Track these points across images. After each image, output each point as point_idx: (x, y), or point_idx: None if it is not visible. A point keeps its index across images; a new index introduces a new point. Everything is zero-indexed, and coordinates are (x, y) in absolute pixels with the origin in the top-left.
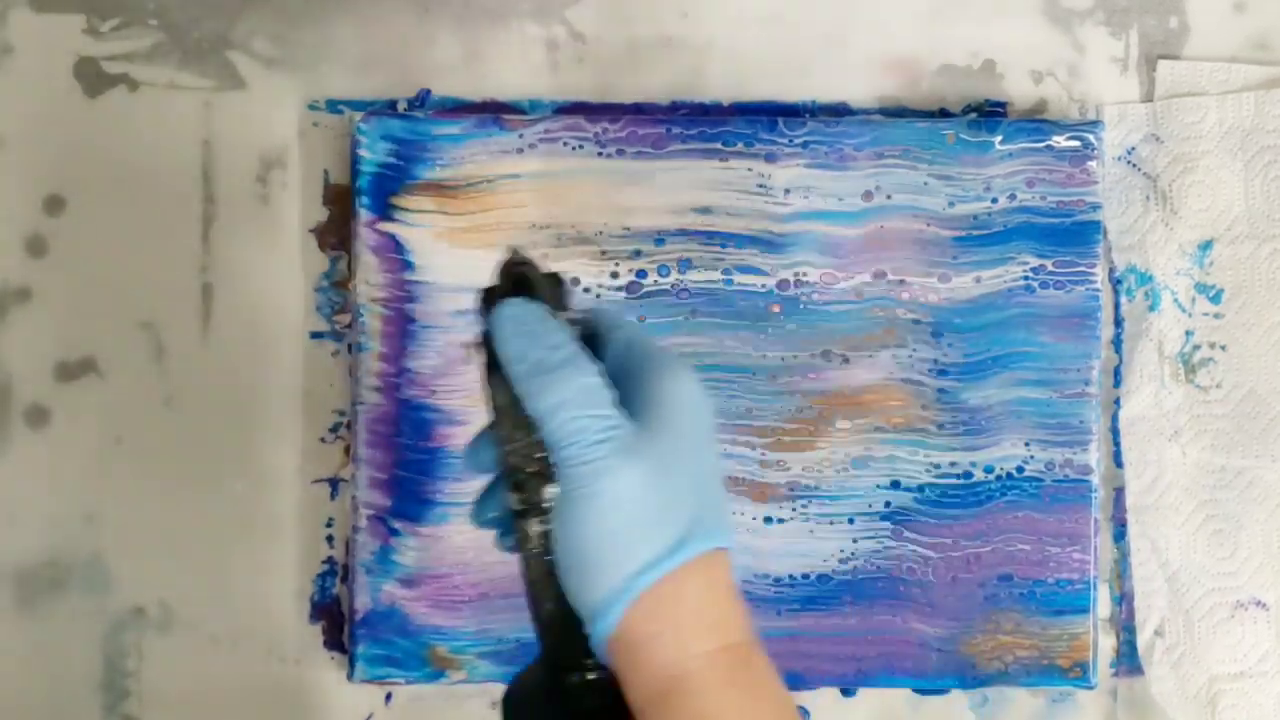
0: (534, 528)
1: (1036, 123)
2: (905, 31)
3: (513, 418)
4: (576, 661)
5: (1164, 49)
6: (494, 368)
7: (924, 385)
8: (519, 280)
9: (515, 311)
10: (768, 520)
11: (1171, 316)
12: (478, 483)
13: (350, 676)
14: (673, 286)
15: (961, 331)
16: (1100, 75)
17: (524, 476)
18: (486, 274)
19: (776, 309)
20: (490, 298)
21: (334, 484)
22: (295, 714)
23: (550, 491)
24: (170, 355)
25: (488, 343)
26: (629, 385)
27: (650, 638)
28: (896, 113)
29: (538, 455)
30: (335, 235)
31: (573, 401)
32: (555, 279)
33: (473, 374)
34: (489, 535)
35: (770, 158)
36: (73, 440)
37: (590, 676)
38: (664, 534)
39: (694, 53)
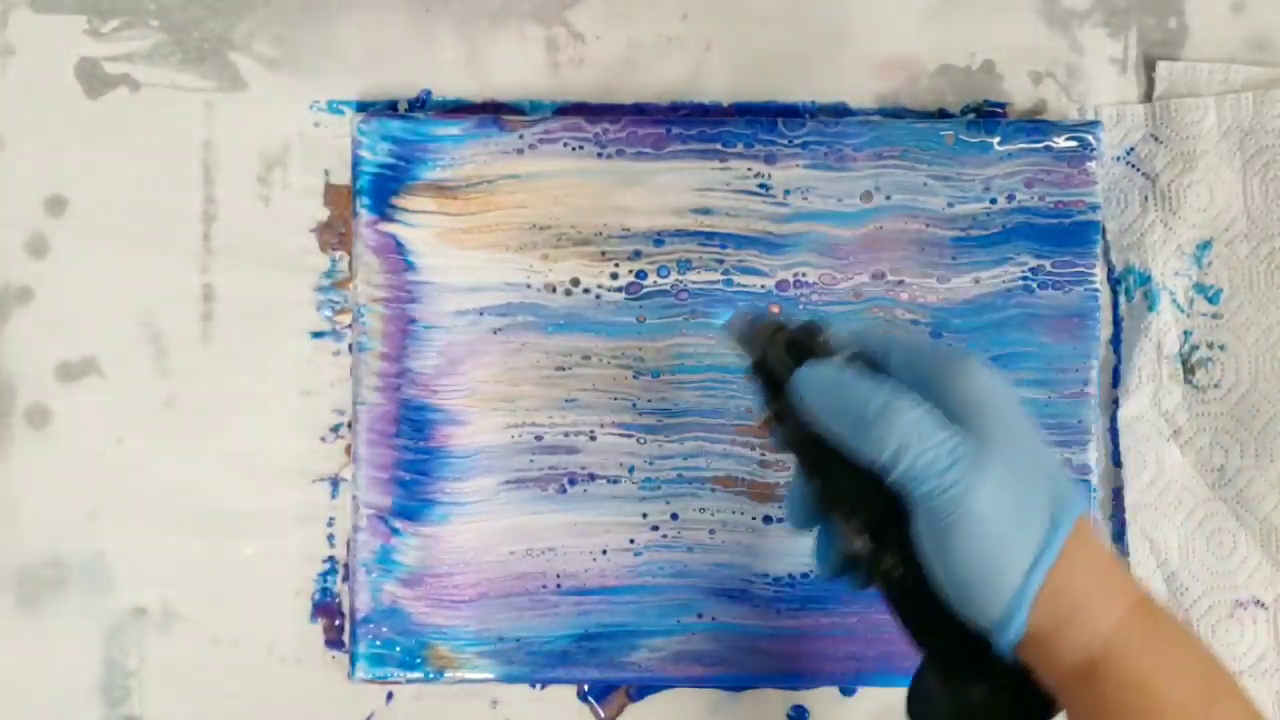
0: (889, 564)
1: (1035, 123)
2: (905, 32)
3: (836, 473)
4: (974, 673)
5: (1163, 50)
6: (798, 433)
7: None
8: (790, 348)
9: (812, 376)
10: (767, 520)
11: (1170, 316)
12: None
13: (351, 676)
14: (672, 287)
15: (960, 332)
16: (1099, 76)
17: (864, 521)
18: (489, 274)
19: (776, 310)
20: (765, 371)
21: (334, 484)
22: (295, 714)
23: (904, 530)
24: (170, 355)
25: (786, 414)
26: (932, 394)
27: (1059, 627)
28: (896, 113)
29: (872, 499)
30: (335, 235)
31: (911, 441)
32: (814, 328)
33: (474, 374)
34: (491, 535)
35: (770, 158)
36: (73, 440)
37: (995, 684)
38: (1036, 527)
39: (694, 53)
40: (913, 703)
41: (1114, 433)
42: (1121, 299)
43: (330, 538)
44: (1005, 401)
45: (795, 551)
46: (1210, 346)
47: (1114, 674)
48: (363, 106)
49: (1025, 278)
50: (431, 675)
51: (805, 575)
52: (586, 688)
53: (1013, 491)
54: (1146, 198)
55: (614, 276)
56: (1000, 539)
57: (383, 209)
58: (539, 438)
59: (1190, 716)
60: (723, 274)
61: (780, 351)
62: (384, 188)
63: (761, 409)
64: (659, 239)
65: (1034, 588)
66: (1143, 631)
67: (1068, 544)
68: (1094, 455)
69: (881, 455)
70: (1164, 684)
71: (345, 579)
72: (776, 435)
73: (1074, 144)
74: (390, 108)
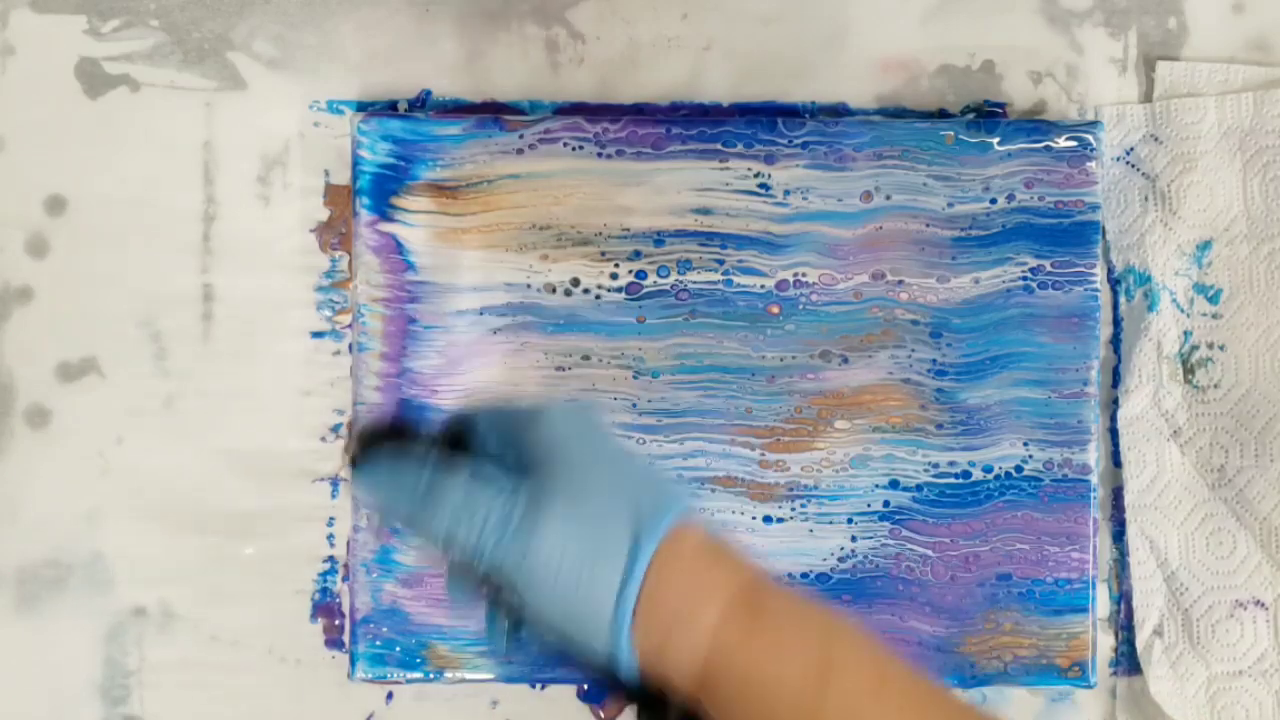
0: (534, 629)
1: (1035, 123)
2: (905, 32)
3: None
4: (657, 707)
5: (1163, 50)
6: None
7: (923, 385)
8: (364, 442)
9: (363, 479)
10: (767, 520)
11: (1170, 316)
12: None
13: (351, 676)
14: (672, 287)
15: (960, 332)
16: (1099, 76)
17: (495, 593)
18: (489, 274)
19: (776, 310)
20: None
21: (335, 483)
22: (295, 714)
23: (510, 594)
24: (170, 355)
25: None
26: (516, 455)
27: (663, 642)
28: (896, 113)
29: (481, 572)
30: (335, 235)
31: (452, 515)
32: (397, 421)
33: (474, 374)
34: None
35: (770, 158)
36: (73, 440)
37: (679, 711)
38: (614, 556)
39: (694, 53)
40: None
41: (1114, 433)
42: (1121, 299)
43: (330, 538)
44: (576, 440)
45: (795, 551)
46: (1210, 346)
47: (724, 673)
48: (362, 106)
49: (1025, 278)
50: (431, 675)
51: (805, 575)
52: (586, 687)
53: (580, 532)
54: (1146, 198)
55: (614, 276)
56: (578, 581)
57: (383, 209)
58: None
59: (805, 698)
60: (723, 274)
61: (357, 449)
62: (384, 188)
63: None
64: (659, 239)
65: (626, 615)
66: (744, 623)
67: (658, 558)
68: (1094, 455)
69: (436, 530)
70: (772, 671)
71: (345, 579)
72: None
73: (1074, 144)
74: (390, 108)
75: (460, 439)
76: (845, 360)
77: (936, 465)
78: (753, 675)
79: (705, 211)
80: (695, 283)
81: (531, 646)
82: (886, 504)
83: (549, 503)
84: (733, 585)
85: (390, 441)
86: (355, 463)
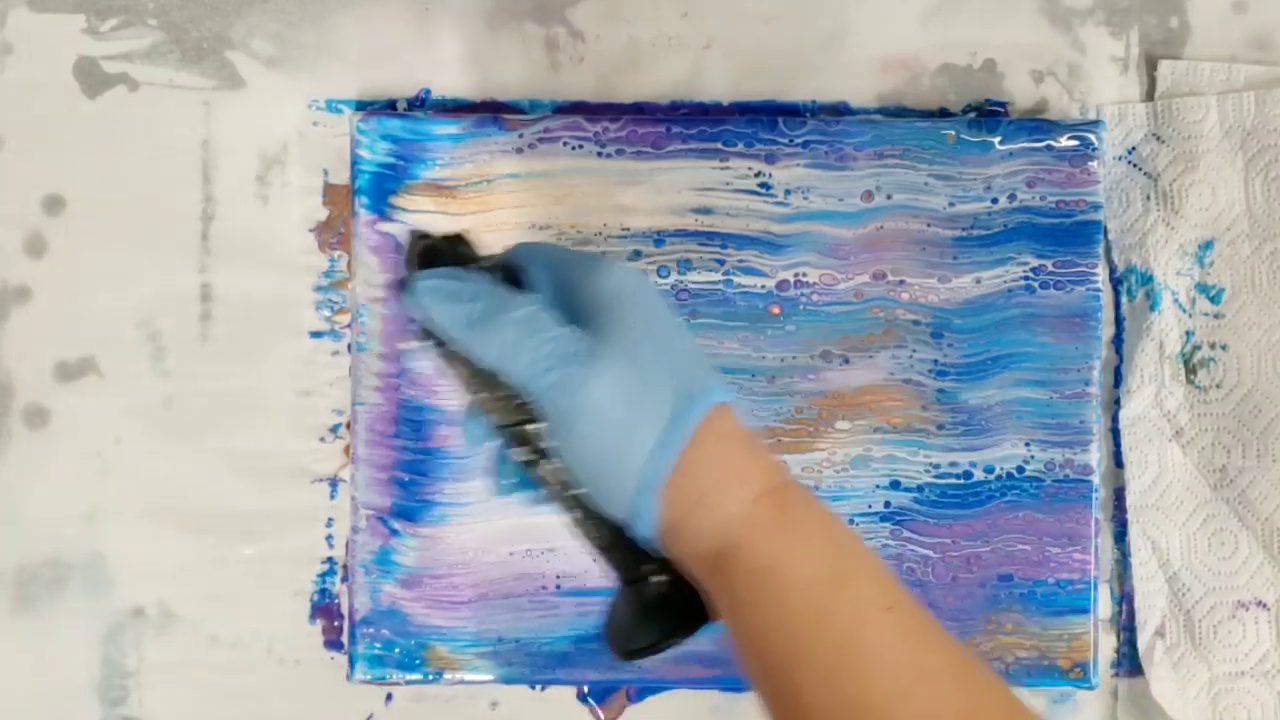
0: (547, 470)
1: (1037, 122)
2: (905, 31)
3: (478, 381)
4: (642, 572)
5: (1164, 49)
6: (442, 343)
7: (924, 386)
8: (425, 256)
9: (426, 284)
10: None
11: (1172, 316)
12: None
13: (350, 676)
14: (672, 287)
15: (961, 332)
16: (1101, 75)
17: (515, 428)
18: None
19: (776, 310)
20: (404, 284)
21: (334, 484)
22: (295, 714)
23: (541, 429)
24: (169, 355)
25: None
26: (570, 300)
27: (686, 514)
28: (897, 112)
29: (517, 403)
30: (334, 235)
31: (514, 339)
32: (456, 238)
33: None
34: (491, 535)
35: (770, 158)
36: (72, 440)
37: (660, 579)
38: (656, 417)
39: (694, 52)
40: (608, 623)
41: (1116, 433)
42: (1123, 299)
43: (329, 538)
44: (637, 299)
45: None
46: (1212, 346)
47: (742, 560)
48: (362, 105)
49: (1027, 277)
50: (430, 676)
51: None
52: (586, 689)
53: (630, 385)
54: (1148, 197)
55: None
56: (620, 430)
57: (382, 208)
58: None
59: (817, 596)
60: (723, 274)
61: (414, 261)
62: (383, 187)
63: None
64: (659, 239)
65: (657, 476)
66: (771, 518)
67: (698, 435)
68: (1096, 455)
69: (488, 356)
70: (790, 567)
71: (344, 580)
72: (431, 351)
73: (1075, 143)
74: (389, 107)
75: (515, 273)
76: (846, 361)
77: (938, 466)
78: (771, 567)
79: (705, 211)
80: (695, 283)
81: (539, 489)
82: (888, 505)
83: (607, 350)
84: (765, 478)
85: (449, 258)
86: (414, 271)
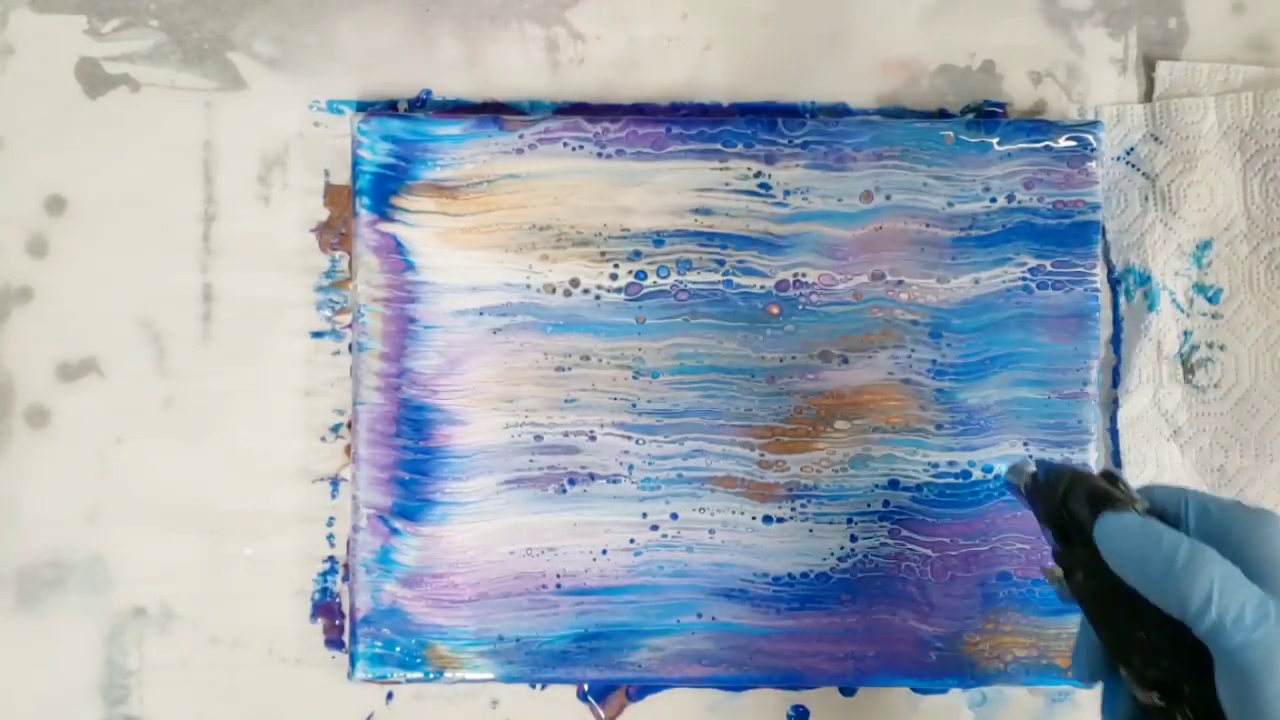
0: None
1: (1035, 123)
2: (905, 32)
3: (1130, 626)
4: None
5: (1163, 50)
6: (1090, 584)
7: (922, 385)
8: (1090, 495)
9: (1116, 524)
10: (767, 520)
11: (1170, 316)
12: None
13: (350, 676)
14: (672, 288)
15: (960, 332)
16: (1099, 76)
17: (1158, 676)
18: (489, 274)
19: (775, 310)
20: (1057, 523)
21: (334, 484)
22: (295, 714)
23: (1199, 686)
24: (170, 355)
25: (1078, 565)
26: (1229, 550)
27: None
28: (896, 113)
29: (1166, 653)
30: (335, 235)
31: (1220, 592)
32: (1113, 477)
33: (474, 374)
34: (491, 535)
35: (770, 158)
36: (73, 440)
37: None
38: None
39: (694, 53)
40: None
41: (1114, 433)
42: (1121, 299)
43: (330, 538)
44: None
45: (795, 551)
46: (1210, 346)
47: None
48: (363, 106)
49: (1025, 278)
50: (431, 675)
51: (805, 575)
52: (586, 688)
53: None
54: (1146, 198)
55: (614, 277)
56: None
57: (383, 209)
58: (539, 438)
59: None
60: (723, 274)
61: (1080, 503)
62: (384, 187)
63: (1052, 560)
64: (659, 239)
65: None
66: None
67: None
68: (1094, 455)
69: (1190, 606)
70: None
71: (345, 579)
72: (1068, 587)
73: (1074, 144)
74: (390, 108)
75: (1160, 512)
76: (845, 360)
77: (936, 465)
78: None
79: (705, 211)
80: (695, 283)
81: None
82: (886, 504)
83: None
84: None
85: (1118, 500)
86: (1086, 515)
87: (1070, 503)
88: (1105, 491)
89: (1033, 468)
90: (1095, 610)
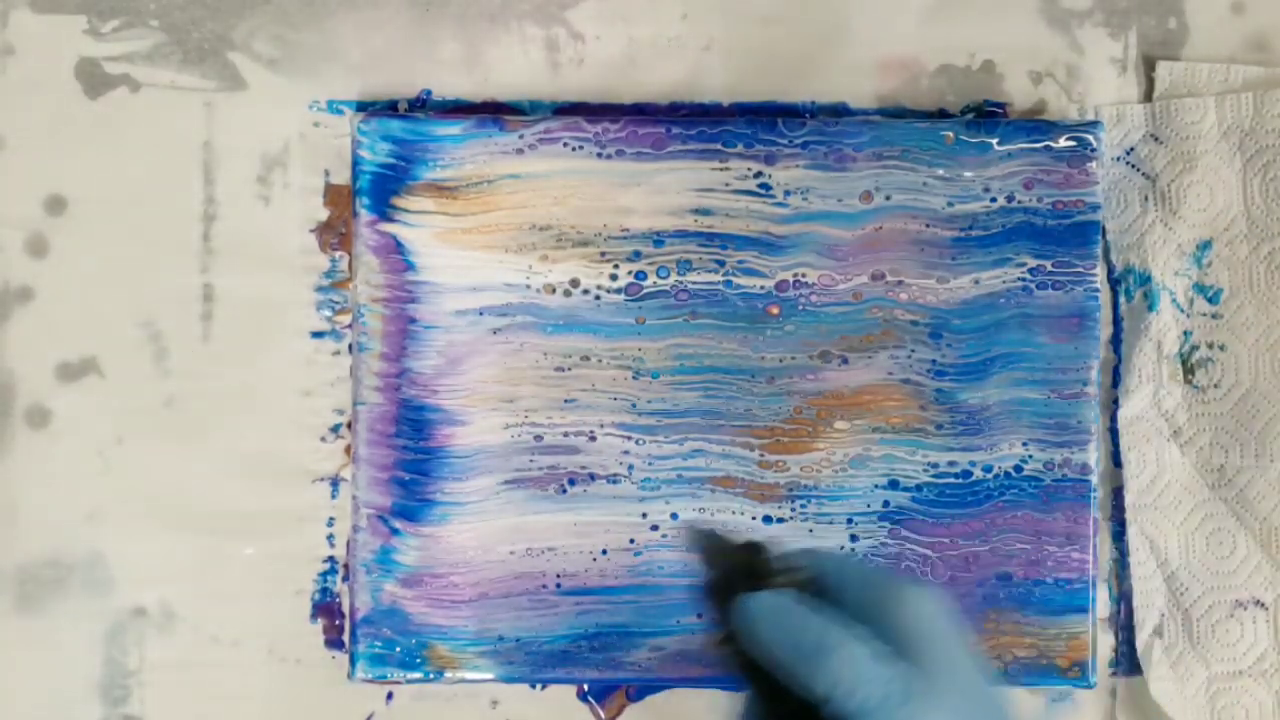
0: None
1: (1035, 123)
2: (905, 32)
3: (782, 699)
4: None
5: (1163, 50)
6: (746, 655)
7: (922, 386)
8: (744, 566)
9: (756, 603)
10: (766, 520)
11: (1170, 316)
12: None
13: (351, 676)
14: (672, 288)
15: (960, 332)
16: (1099, 76)
17: None
18: (489, 275)
19: (775, 310)
20: (717, 591)
21: (334, 484)
22: (295, 714)
23: None
24: (170, 355)
25: (731, 637)
26: (877, 621)
27: None
28: (896, 113)
29: None
30: (335, 235)
31: (847, 676)
32: (754, 547)
33: (474, 374)
34: (491, 535)
35: (770, 159)
36: (73, 440)
37: None
38: None
39: (694, 53)
40: None
41: (1114, 433)
42: (1121, 299)
43: (330, 538)
44: (949, 635)
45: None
46: (1210, 346)
47: None
48: (363, 106)
49: (1025, 278)
50: (431, 675)
51: None
52: (586, 688)
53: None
54: (1146, 198)
55: (613, 277)
56: None
57: (383, 209)
58: (539, 438)
59: None
60: (723, 275)
61: (731, 574)
62: (384, 188)
63: (714, 627)
64: (659, 239)
65: None
66: None
67: None
68: (1094, 455)
69: (816, 690)
70: None
71: (345, 579)
72: (726, 655)
73: (1074, 144)
74: (390, 108)
75: (814, 584)
76: (845, 361)
77: (936, 465)
78: None
79: (705, 212)
80: (695, 283)
81: None
82: (886, 504)
83: (929, 692)
84: None
85: (759, 575)
86: (721, 594)
87: (723, 575)
88: (747, 566)
89: (706, 533)
90: (751, 681)
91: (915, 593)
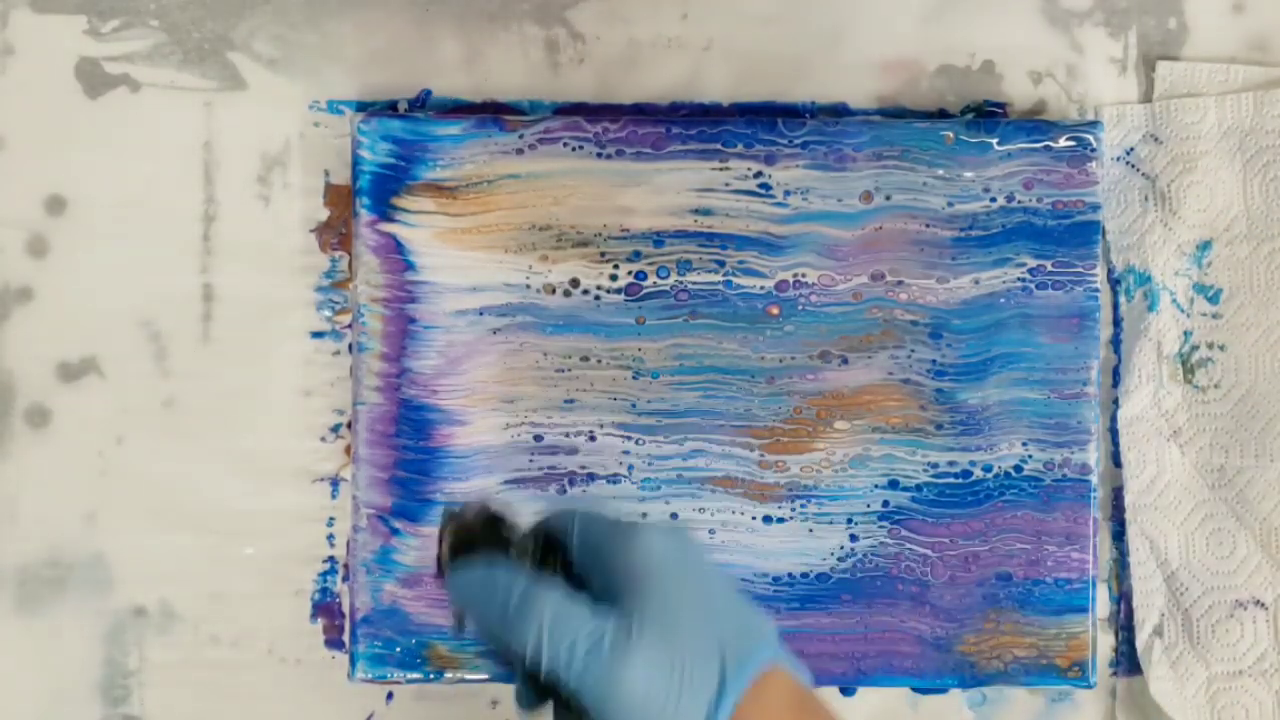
0: None
1: (1035, 123)
2: (905, 32)
3: (519, 666)
4: None
5: (1163, 50)
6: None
7: (922, 386)
8: (460, 542)
9: (459, 579)
10: (766, 520)
11: (1170, 317)
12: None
13: (351, 676)
14: (672, 288)
15: (960, 332)
16: (1099, 76)
17: (565, 710)
18: (489, 275)
19: (775, 310)
20: (440, 570)
21: (334, 484)
22: (295, 714)
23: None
24: (170, 355)
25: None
26: (605, 573)
27: None
28: (896, 114)
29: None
30: (335, 235)
31: (547, 632)
32: (492, 520)
33: (473, 374)
34: None
35: (770, 159)
36: (73, 440)
37: None
38: (702, 689)
39: (694, 53)
40: None
41: (1114, 433)
42: (1121, 299)
43: (330, 538)
44: (671, 566)
45: (795, 551)
46: (1210, 347)
47: None
48: (363, 106)
49: (1025, 278)
50: (431, 675)
51: (805, 575)
52: None
53: (670, 662)
54: (1146, 198)
55: (613, 277)
56: (665, 711)
57: (383, 209)
58: (539, 438)
59: None
60: (722, 275)
61: (447, 547)
62: (384, 188)
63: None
64: (659, 239)
65: None
66: None
67: (744, 703)
68: (1094, 455)
69: (526, 651)
70: None
71: (345, 579)
72: (468, 633)
73: (1074, 144)
74: (390, 108)
75: (552, 543)
76: (845, 361)
77: (936, 465)
78: None
79: (705, 212)
80: (695, 283)
81: None
82: (886, 504)
83: (639, 634)
84: None
85: (483, 544)
86: (446, 567)
87: (445, 546)
88: (469, 535)
89: (448, 508)
90: (494, 645)
91: (645, 536)
